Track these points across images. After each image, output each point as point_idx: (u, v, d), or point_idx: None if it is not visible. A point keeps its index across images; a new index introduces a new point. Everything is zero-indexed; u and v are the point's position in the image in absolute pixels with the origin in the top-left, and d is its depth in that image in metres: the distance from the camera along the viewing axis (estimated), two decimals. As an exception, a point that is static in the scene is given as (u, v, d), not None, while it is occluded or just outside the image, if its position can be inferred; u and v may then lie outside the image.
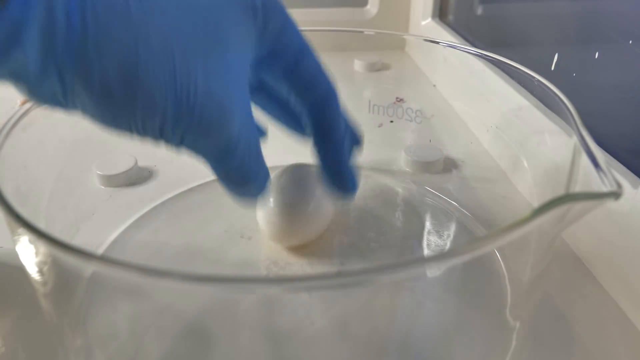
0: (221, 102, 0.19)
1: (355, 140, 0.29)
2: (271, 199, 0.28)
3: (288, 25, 0.23)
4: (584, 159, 0.19)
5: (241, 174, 0.22)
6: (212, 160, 0.21)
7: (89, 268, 0.17)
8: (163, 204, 0.34)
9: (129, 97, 0.18)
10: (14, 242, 0.18)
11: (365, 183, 0.37)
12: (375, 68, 0.47)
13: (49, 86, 0.17)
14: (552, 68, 0.41)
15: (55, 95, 0.17)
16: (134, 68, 0.17)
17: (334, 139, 0.25)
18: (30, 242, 0.17)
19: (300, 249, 0.30)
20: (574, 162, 0.21)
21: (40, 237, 0.15)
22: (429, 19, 0.60)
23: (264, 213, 0.29)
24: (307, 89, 0.24)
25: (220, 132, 0.20)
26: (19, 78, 0.17)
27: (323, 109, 0.24)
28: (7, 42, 0.15)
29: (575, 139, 0.21)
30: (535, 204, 0.29)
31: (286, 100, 0.25)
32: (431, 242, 0.31)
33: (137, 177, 0.36)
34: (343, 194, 0.27)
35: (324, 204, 0.29)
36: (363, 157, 0.38)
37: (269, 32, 0.22)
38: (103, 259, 0.14)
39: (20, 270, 0.20)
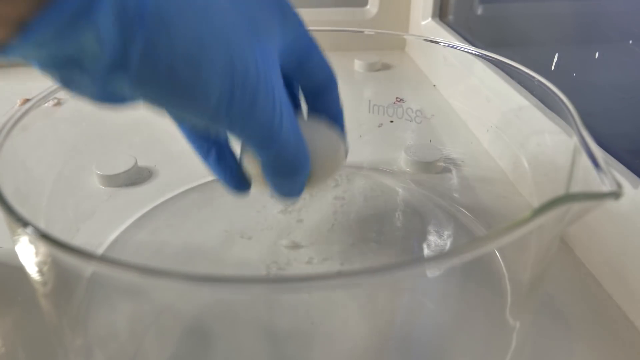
0: (268, 85, 0.20)
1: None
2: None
3: (301, 25, 0.25)
4: (584, 159, 0.19)
5: (288, 160, 0.23)
6: (260, 147, 0.22)
7: (88, 268, 0.17)
8: (163, 203, 0.34)
9: (192, 77, 0.18)
10: (14, 242, 0.18)
11: (366, 183, 0.37)
12: (375, 68, 0.47)
13: (116, 69, 0.16)
14: (552, 68, 0.41)
15: (119, 81, 0.17)
16: (199, 49, 0.18)
17: (332, 113, 0.28)
18: (30, 242, 0.17)
19: (300, 248, 0.30)
20: (574, 162, 0.21)
21: (40, 237, 0.15)
22: (429, 19, 0.60)
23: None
24: (311, 78, 0.26)
25: (270, 115, 0.21)
26: (83, 64, 0.16)
27: (324, 94, 0.27)
28: (78, 17, 0.15)
29: (575, 138, 0.21)
30: (535, 204, 0.29)
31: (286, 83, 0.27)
32: (431, 242, 0.31)
33: (137, 177, 0.36)
34: None
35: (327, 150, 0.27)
36: (363, 157, 0.38)
37: (288, 30, 0.23)
38: (103, 259, 0.14)
39: (20, 270, 0.20)
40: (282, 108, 0.22)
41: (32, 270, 0.19)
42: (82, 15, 0.15)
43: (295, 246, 0.30)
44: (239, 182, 0.27)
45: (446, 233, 0.32)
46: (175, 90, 0.18)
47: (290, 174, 0.24)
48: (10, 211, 0.17)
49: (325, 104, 0.28)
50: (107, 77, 0.17)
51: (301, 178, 0.25)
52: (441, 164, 0.38)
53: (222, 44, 0.18)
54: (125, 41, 0.16)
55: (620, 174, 0.27)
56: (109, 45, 0.16)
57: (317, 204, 0.34)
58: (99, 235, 0.31)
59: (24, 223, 0.16)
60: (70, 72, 0.17)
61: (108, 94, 0.18)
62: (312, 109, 0.28)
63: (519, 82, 0.35)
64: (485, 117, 0.37)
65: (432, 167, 0.38)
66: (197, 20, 0.17)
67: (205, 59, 0.18)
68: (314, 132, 0.27)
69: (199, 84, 0.18)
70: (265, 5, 0.22)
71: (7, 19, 0.14)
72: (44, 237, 0.15)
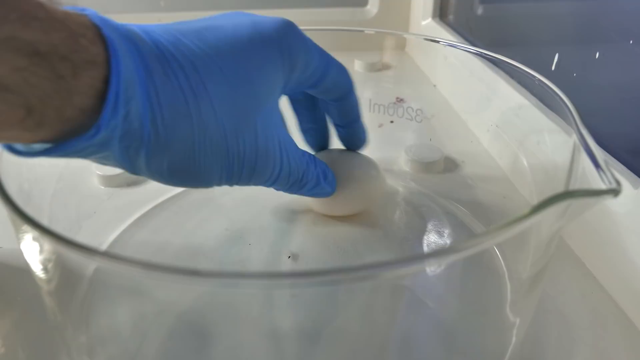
0: (266, 152, 0.24)
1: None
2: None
3: (309, 52, 0.25)
4: (584, 158, 0.19)
5: (291, 185, 0.27)
6: (262, 185, 0.26)
7: (93, 264, 0.17)
8: (163, 203, 0.34)
9: (192, 173, 0.22)
10: (18, 240, 0.18)
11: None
12: (376, 68, 0.47)
13: (124, 168, 0.21)
14: (553, 68, 0.41)
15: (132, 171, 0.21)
16: (196, 152, 0.21)
17: (352, 117, 0.31)
18: (35, 239, 0.17)
19: (299, 247, 0.30)
20: (573, 161, 0.21)
21: (45, 234, 0.16)
22: (429, 19, 0.60)
23: None
24: (330, 91, 0.28)
25: (266, 172, 0.24)
26: (102, 161, 0.21)
27: (343, 100, 0.29)
28: (99, 147, 0.19)
29: (574, 137, 0.21)
30: (535, 203, 0.29)
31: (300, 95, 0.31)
32: (432, 241, 0.31)
33: (137, 177, 0.36)
34: (359, 146, 0.33)
35: (364, 185, 0.31)
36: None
37: (295, 66, 0.24)
38: (107, 254, 0.15)
39: (20, 270, 0.20)
40: (282, 152, 0.25)
41: (37, 267, 0.19)
42: (98, 148, 0.19)
43: (295, 244, 0.30)
44: None
45: (446, 232, 0.32)
46: (180, 180, 0.22)
47: (300, 189, 0.27)
48: (15, 208, 0.17)
49: (343, 109, 0.30)
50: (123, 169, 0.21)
51: (315, 188, 0.28)
52: (441, 163, 0.38)
53: (218, 141, 0.21)
54: (131, 159, 0.20)
55: (620, 174, 0.27)
56: (120, 160, 0.20)
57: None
58: (99, 234, 0.31)
59: (29, 220, 0.16)
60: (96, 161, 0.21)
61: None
62: (332, 114, 0.30)
63: (519, 82, 0.35)
64: (486, 116, 0.37)
65: (432, 166, 0.38)
66: (192, 131, 0.21)
67: (205, 156, 0.21)
68: (353, 160, 0.31)
69: (198, 175, 0.22)
70: (267, 62, 0.23)
71: (27, 140, 0.18)
72: (50, 233, 0.15)
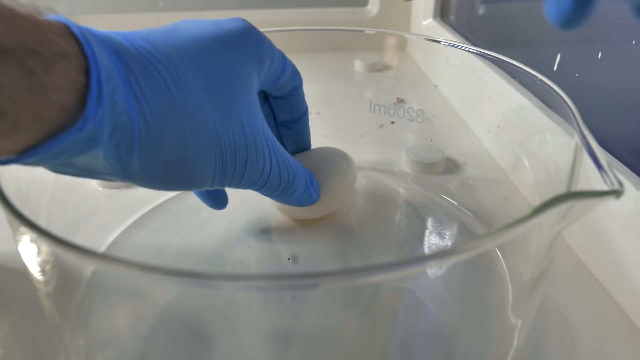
0: (255, 142, 0.23)
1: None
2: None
3: (271, 47, 0.26)
4: (586, 159, 0.19)
5: (282, 190, 0.27)
6: (255, 187, 0.25)
7: (91, 266, 0.17)
8: (162, 204, 0.34)
9: (187, 171, 0.21)
10: (16, 242, 0.18)
11: (366, 184, 0.37)
12: (376, 68, 0.46)
13: (116, 172, 0.20)
14: (555, 68, 0.41)
15: (121, 176, 0.20)
16: (189, 144, 0.20)
17: (302, 109, 0.31)
18: (32, 241, 0.17)
19: (299, 247, 0.30)
20: (575, 162, 0.21)
21: (43, 235, 0.15)
22: (430, 19, 0.60)
23: None
24: (286, 85, 0.29)
25: (258, 166, 0.24)
26: (90, 168, 0.19)
27: (296, 92, 0.30)
28: (86, 145, 0.18)
29: (576, 138, 0.21)
30: (537, 204, 0.29)
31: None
32: (432, 243, 0.31)
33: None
34: (308, 142, 0.33)
35: (337, 183, 0.31)
36: (364, 158, 0.38)
37: (266, 63, 0.26)
38: (106, 256, 0.14)
39: (18, 272, 0.20)
40: (270, 148, 0.25)
41: (35, 269, 0.19)
42: (86, 146, 0.18)
43: (295, 245, 0.30)
44: (215, 201, 0.30)
45: (447, 234, 0.32)
46: (175, 180, 0.21)
47: (289, 195, 0.27)
48: (13, 210, 0.17)
49: (295, 101, 0.30)
50: (113, 176, 0.20)
51: (302, 193, 0.28)
52: (442, 164, 0.38)
53: (209, 132, 0.21)
54: (123, 159, 0.19)
55: (623, 176, 0.27)
56: (111, 162, 0.19)
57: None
58: (98, 236, 0.31)
59: (27, 222, 0.16)
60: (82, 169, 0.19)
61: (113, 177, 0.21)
62: (283, 111, 0.31)
63: (521, 82, 0.35)
64: (487, 117, 0.37)
65: (433, 167, 0.37)
66: (181, 128, 0.20)
67: (196, 150, 0.21)
68: (325, 156, 0.31)
69: (193, 173, 0.21)
70: (238, 53, 0.23)
71: (4, 149, 0.16)
72: (48, 235, 0.15)
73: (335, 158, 0.31)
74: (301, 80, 0.30)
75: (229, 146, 0.22)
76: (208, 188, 0.23)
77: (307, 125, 0.32)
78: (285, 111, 0.31)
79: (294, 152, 0.32)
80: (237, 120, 0.22)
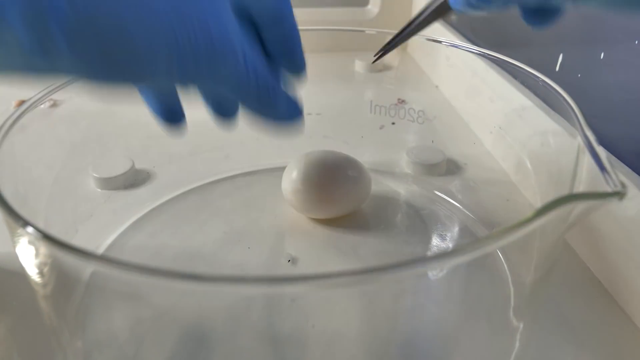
0: (219, 15, 0.19)
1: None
2: (298, 173, 0.31)
3: None
4: (588, 160, 0.19)
5: (262, 97, 0.22)
6: (230, 94, 0.22)
7: (90, 268, 0.17)
8: (161, 206, 0.34)
9: (130, 47, 0.16)
10: (14, 244, 0.18)
11: (367, 185, 0.36)
12: (377, 68, 0.46)
13: (41, 57, 0.15)
14: (557, 69, 0.41)
15: (50, 65, 0.16)
16: (129, 21, 0.16)
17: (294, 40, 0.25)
18: (30, 243, 0.17)
19: (299, 248, 0.29)
20: (577, 163, 0.21)
21: (41, 237, 0.15)
22: (432, 20, 0.60)
23: (289, 183, 0.31)
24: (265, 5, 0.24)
25: (227, 52, 0.19)
26: (9, 56, 0.15)
27: (280, 23, 0.24)
28: None
29: (579, 139, 0.21)
30: (539, 205, 0.29)
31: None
32: (434, 244, 0.31)
33: (134, 179, 0.36)
34: (298, 73, 0.27)
35: (348, 186, 0.31)
36: (364, 159, 0.38)
37: None
38: (104, 258, 0.14)
39: (15, 275, 0.19)
40: (243, 50, 0.20)
41: (32, 271, 0.19)
42: None
43: (294, 247, 0.30)
44: (169, 113, 0.25)
45: (449, 235, 0.31)
46: (115, 64, 0.17)
47: (269, 107, 0.23)
48: (11, 212, 0.16)
49: (282, 32, 0.25)
50: (32, 61, 0.16)
51: (283, 107, 0.24)
52: (443, 165, 0.38)
53: (157, 8, 0.17)
54: (40, 34, 0.15)
55: (626, 177, 0.27)
56: (25, 39, 0.15)
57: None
58: (96, 238, 0.31)
59: (25, 223, 0.16)
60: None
61: (37, 69, 0.16)
62: (270, 42, 0.25)
63: (523, 82, 0.35)
64: (488, 117, 0.37)
65: (434, 168, 0.37)
66: None
67: (137, 15, 0.16)
68: (343, 162, 0.31)
69: (138, 50, 0.17)
70: None
71: None
72: (46, 237, 0.15)
73: (354, 164, 0.32)
74: (290, 12, 0.24)
75: (187, 15, 0.18)
76: (164, 79, 0.18)
77: (294, 25, 0.25)
78: (274, 44, 0.25)
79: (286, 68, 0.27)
80: (197, 7, 0.18)
